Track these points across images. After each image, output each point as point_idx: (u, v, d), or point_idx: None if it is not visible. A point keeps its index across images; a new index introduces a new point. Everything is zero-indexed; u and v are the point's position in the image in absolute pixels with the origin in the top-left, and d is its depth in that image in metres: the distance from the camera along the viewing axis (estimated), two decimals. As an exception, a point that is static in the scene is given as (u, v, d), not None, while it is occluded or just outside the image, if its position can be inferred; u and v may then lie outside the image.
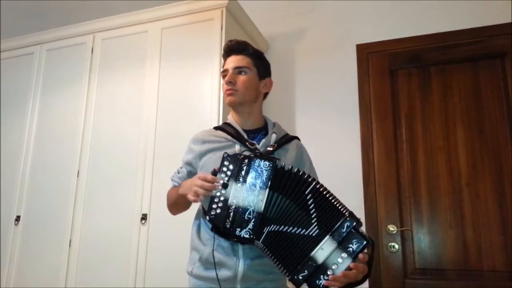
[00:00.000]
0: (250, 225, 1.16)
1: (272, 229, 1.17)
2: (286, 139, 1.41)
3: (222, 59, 1.46)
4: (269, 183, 1.19)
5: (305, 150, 1.46)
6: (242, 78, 1.38)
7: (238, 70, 1.38)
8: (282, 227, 1.17)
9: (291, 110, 2.63)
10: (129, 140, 2.36)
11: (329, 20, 2.67)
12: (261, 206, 1.17)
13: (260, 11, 2.78)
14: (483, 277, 2.09)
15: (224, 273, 1.25)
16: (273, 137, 1.37)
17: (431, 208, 2.23)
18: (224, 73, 1.40)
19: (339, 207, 1.15)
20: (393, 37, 2.48)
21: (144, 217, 2.20)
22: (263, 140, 1.36)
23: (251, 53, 1.42)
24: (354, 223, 1.13)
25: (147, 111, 2.35)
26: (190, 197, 1.21)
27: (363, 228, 2.28)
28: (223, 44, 2.20)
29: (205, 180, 1.20)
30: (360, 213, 2.28)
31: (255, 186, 1.18)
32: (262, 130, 1.42)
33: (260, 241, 1.16)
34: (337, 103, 2.52)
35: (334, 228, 1.14)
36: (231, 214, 1.17)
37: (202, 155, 1.37)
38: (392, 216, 2.27)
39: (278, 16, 2.80)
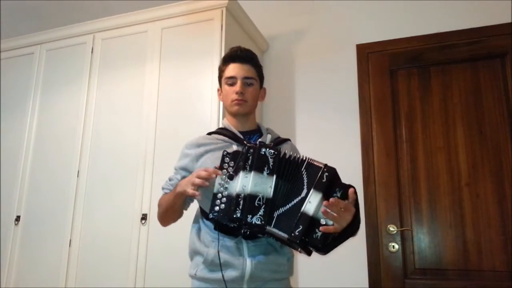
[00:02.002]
0: (261, 211, 1.17)
1: (280, 212, 1.19)
2: (280, 140, 1.45)
3: (223, 62, 1.44)
4: (276, 169, 1.21)
5: (297, 151, 1.51)
6: (250, 89, 1.40)
7: (247, 80, 1.40)
8: (287, 206, 1.20)
9: (291, 110, 2.63)
10: (129, 140, 2.35)
11: (329, 20, 2.67)
12: (270, 192, 1.19)
13: (260, 11, 2.77)
14: (483, 277, 2.08)
15: (230, 273, 1.24)
16: (269, 137, 1.42)
17: (431, 208, 2.23)
18: (230, 80, 1.40)
19: (317, 164, 1.21)
20: (393, 37, 2.48)
21: (144, 217, 2.20)
22: (259, 140, 1.39)
23: (258, 65, 1.45)
24: (333, 173, 1.19)
25: (147, 111, 2.35)
26: (189, 190, 1.21)
27: (363, 229, 2.30)
28: (223, 44, 2.23)
29: (204, 170, 1.21)
30: (360, 213, 2.29)
31: (262, 173, 1.20)
32: (257, 132, 1.46)
33: (272, 226, 1.17)
34: (337, 103, 2.52)
35: (316, 181, 1.18)
36: (241, 202, 1.17)
37: (198, 157, 1.37)
38: (392, 216, 2.27)
39: (278, 16, 2.80)
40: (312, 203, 1.16)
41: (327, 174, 1.18)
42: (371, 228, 2.28)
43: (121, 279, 2.17)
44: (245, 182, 1.19)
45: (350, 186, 1.20)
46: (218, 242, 1.25)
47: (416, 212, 2.25)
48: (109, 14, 2.61)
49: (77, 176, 2.43)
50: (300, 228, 1.15)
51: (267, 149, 1.22)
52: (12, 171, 2.63)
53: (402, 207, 2.28)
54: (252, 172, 1.20)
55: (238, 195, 1.18)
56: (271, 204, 1.18)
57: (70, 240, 2.34)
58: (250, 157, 1.21)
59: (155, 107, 2.34)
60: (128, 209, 2.25)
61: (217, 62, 2.21)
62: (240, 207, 1.17)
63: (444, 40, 2.37)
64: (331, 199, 1.14)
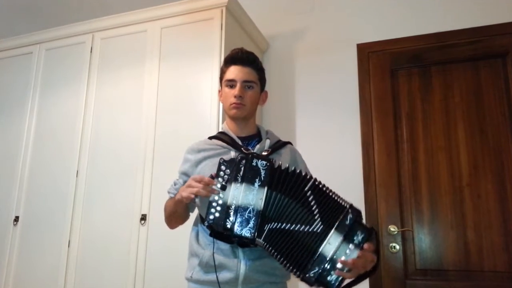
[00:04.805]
0: (251, 224, 1.16)
1: (273, 227, 1.17)
2: (280, 145, 1.43)
3: (225, 64, 1.42)
4: (267, 181, 1.19)
5: (298, 154, 1.48)
6: (250, 93, 1.38)
7: (247, 84, 1.38)
8: (284, 224, 1.17)
9: (291, 109, 2.62)
10: (128, 140, 2.34)
11: (329, 19, 2.66)
12: (261, 204, 1.17)
13: (260, 10, 2.76)
14: (484, 278, 2.08)
15: (225, 275, 1.24)
16: (267, 143, 1.40)
17: (432, 208, 2.22)
18: (230, 82, 1.38)
19: (340, 202, 1.18)
20: (394, 37, 2.47)
21: (143, 218, 2.19)
22: (258, 146, 1.37)
23: (259, 67, 1.42)
24: (356, 215, 1.16)
25: (146, 111, 2.34)
26: (184, 194, 1.21)
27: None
28: (223, 44, 2.22)
29: (201, 180, 1.20)
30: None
31: (253, 185, 1.19)
32: (256, 136, 1.44)
33: (261, 239, 1.16)
34: (338, 102, 2.51)
35: (338, 222, 1.15)
36: (231, 213, 1.17)
37: (198, 163, 1.37)
38: (393, 217, 2.26)
39: (278, 15, 2.79)
40: (331, 244, 1.14)
41: (351, 216, 1.15)
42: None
43: (121, 280, 2.16)
44: (236, 194, 1.18)
45: (372, 229, 1.16)
46: (214, 245, 1.25)
47: (417, 212, 2.24)
48: (108, 14, 2.60)
49: (76, 176, 2.42)
50: (316, 270, 1.12)
51: (259, 160, 1.21)
52: (10, 171, 2.62)
53: (403, 207, 2.27)
54: (243, 184, 1.19)
55: (229, 207, 1.18)
56: (262, 216, 1.17)
57: (69, 241, 2.33)
58: (242, 168, 1.20)
59: (154, 107, 2.32)
60: (128, 210, 2.24)
61: (217, 62, 2.21)
62: (231, 218, 1.17)
63: (445, 40, 2.36)
64: (354, 259, 1.11)
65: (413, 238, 2.22)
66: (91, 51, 2.60)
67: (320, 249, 1.14)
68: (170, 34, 2.40)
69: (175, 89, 2.31)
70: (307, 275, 1.12)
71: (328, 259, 1.13)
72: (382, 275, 2.22)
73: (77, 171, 2.42)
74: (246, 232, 1.16)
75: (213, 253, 1.24)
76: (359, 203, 2.30)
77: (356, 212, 1.16)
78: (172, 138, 2.22)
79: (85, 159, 2.42)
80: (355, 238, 1.14)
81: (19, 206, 2.53)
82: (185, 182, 1.38)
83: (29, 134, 2.64)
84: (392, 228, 2.25)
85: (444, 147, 2.27)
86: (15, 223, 2.51)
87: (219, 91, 1.47)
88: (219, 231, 1.17)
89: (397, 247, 2.22)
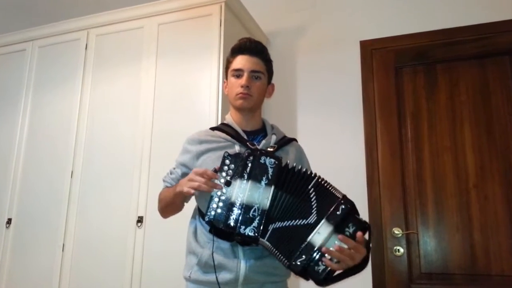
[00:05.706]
0: (255, 223, 1.14)
1: (277, 226, 1.15)
2: (285, 141, 1.41)
3: (231, 54, 1.40)
4: (275, 180, 1.16)
5: (304, 153, 1.47)
6: (257, 83, 1.36)
7: (255, 74, 1.35)
8: (286, 222, 1.15)
9: (293, 108, 2.59)
10: (124, 139, 2.32)
11: (331, 15, 2.63)
12: (266, 203, 1.15)
13: (260, 6, 2.73)
14: (491, 282, 2.05)
15: (224, 275, 1.22)
16: (273, 138, 1.37)
17: (437, 210, 2.18)
18: (237, 72, 1.35)
19: (334, 192, 1.16)
20: (398, 34, 2.43)
21: (140, 220, 2.16)
22: (263, 141, 1.35)
23: (267, 58, 1.40)
24: (349, 206, 1.13)
25: (143, 110, 2.31)
26: (185, 188, 1.19)
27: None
28: (222, 41, 2.20)
29: (204, 173, 1.17)
30: (363, 215, 2.23)
31: (260, 183, 1.16)
32: (261, 131, 1.41)
33: (265, 239, 1.14)
34: (340, 101, 2.48)
35: (330, 212, 1.13)
36: (235, 211, 1.14)
37: (199, 155, 1.34)
38: (397, 219, 2.23)
39: (279, 11, 2.76)
40: (321, 234, 1.12)
41: (343, 207, 1.13)
42: (375, 231, 2.23)
43: (116, 284, 2.14)
44: (241, 191, 1.16)
45: (365, 223, 1.14)
46: (213, 243, 1.22)
47: (421, 214, 2.21)
48: (103, 10, 2.57)
49: (71, 177, 2.39)
50: (303, 259, 1.11)
51: (267, 158, 1.18)
52: (3, 172, 2.60)
53: (407, 209, 2.23)
54: (250, 181, 1.16)
55: (233, 203, 1.15)
56: (266, 216, 1.15)
57: (63, 244, 2.31)
58: (249, 165, 1.17)
59: (151, 106, 2.30)
60: (124, 211, 2.22)
61: (216, 59, 2.19)
62: (234, 216, 1.14)
63: (451, 36, 2.32)
64: (340, 248, 1.09)
65: (418, 241, 2.19)
66: (86, 48, 2.57)
67: (309, 238, 1.12)
68: (168, 30, 2.38)
69: (172, 87, 2.28)
70: (293, 263, 1.11)
71: (316, 248, 1.11)
72: (386, 279, 2.19)
73: (72, 172, 2.40)
74: (250, 232, 1.13)
75: (213, 252, 1.22)
76: (362, 205, 2.27)
77: (350, 204, 1.14)
78: (170, 137, 2.19)
79: (80, 159, 2.40)
80: (346, 230, 1.12)
81: (11, 208, 2.52)
82: (183, 173, 1.37)
83: (22, 133, 2.62)
84: (396, 231, 2.21)
85: (450, 147, 2.23)
86: (7, 225, 2.49)
87: (224, 82, 1.44)
88: (219, 227, 1.14)
89: (402, 250, 2.19)
